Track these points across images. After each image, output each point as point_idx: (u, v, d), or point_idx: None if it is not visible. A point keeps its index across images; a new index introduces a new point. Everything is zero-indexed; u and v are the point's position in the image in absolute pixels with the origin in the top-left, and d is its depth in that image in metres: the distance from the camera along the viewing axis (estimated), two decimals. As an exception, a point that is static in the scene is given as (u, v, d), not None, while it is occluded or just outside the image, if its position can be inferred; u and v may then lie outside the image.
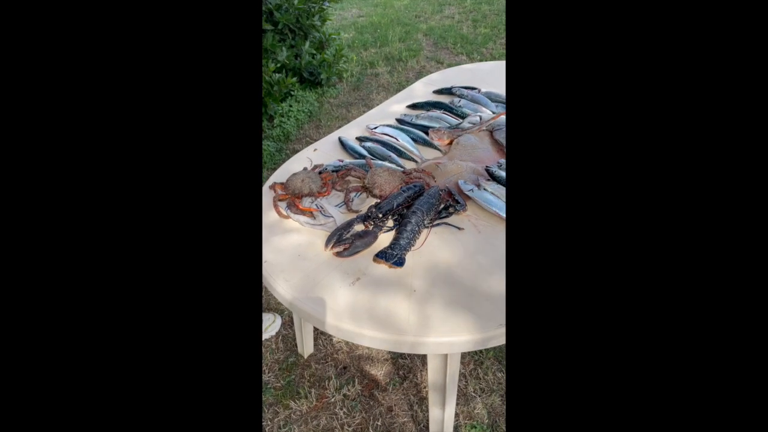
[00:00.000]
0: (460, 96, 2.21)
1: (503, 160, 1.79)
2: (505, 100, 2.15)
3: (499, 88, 2.30)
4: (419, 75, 4.34)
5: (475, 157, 1.85)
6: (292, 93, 4.08)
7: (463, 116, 2.10)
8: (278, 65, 3.90)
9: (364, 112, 2.40)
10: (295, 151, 2.87)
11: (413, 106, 2.19)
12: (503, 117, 1.99)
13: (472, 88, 2.26)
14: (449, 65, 4.46)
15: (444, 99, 2.24)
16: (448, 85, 2.32)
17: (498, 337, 1.18)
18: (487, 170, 1.68)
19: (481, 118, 2.01)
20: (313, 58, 4.17)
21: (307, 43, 4.13)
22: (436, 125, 2.02)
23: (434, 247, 1.44)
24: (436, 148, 1.92)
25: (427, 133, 1.95)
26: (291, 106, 3.93)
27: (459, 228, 1.51)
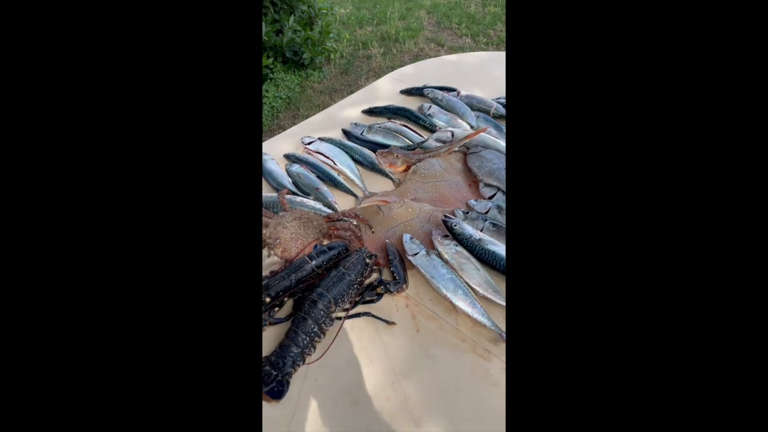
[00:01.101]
0: (433, 100, 1.61)
1: (475, 201, 1.21)
2: (489, 108, 1.55)
3: (487, 88, 1.69)
4: (416, 58, 3.69)
5: (436, 193, 1.27)
6: (271, 76, 3.48)
7: (431, 128, 1.51)
8: (253, 44, 3.28)
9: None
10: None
11: (370, 112, 1.60)
12: (484, 136, 1.39)
13: (450, 90, 1.65)
14: (450, 49, 3.80)
15: (413, 103, 1.64)
16: (422, 84, 1.72)
17: None
18: (446, 222, 1.11)
19: (452, 135, 1.42)
20: (296, 35, 3.54)
21: (292, 18, 3.50)
22: (392, 142, 1.43)
23: (342, 354, 0.89)
24: (386, 175, 1.35)
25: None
26: (267, 90, 3.34)
27: (388, 323, 0.95)
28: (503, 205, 1.19)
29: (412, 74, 1.84)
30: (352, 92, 3.08)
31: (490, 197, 1.23)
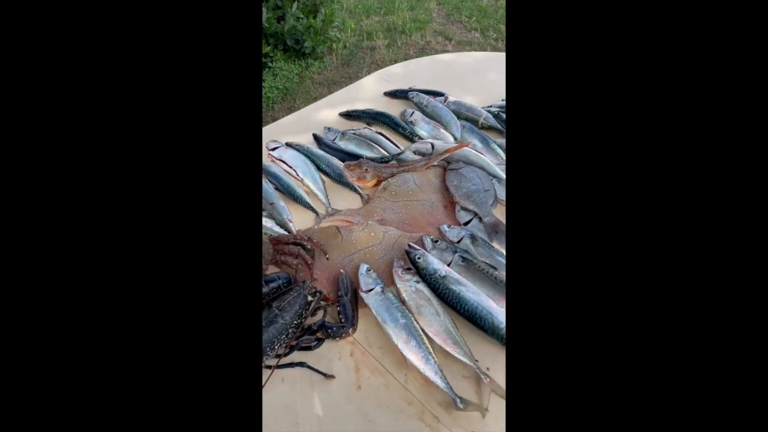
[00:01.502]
0: (418, 105, 1.44)
1: (448, 228, 1.05)
2: (477, 117, 1.38)
3: (479, 93, 1.51)
4: (421, 52, 3.50)
5: (407, 215, 1.11)
6: (270, 65, 3.32)
7: (411, 138, 1.34)
8: (252, 30, 3.12)
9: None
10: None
11: (347, 115, 1.44)
12: (468, 151, 1.23)
13: (438, 94, 1.48)
14: (458, 43, 3.60)
15: (397, 106, 1.48)
16: (410, 85, 1.55)
17: None
18: (409, 253, 0.96)
19: (432, 147, 1.26)
20: (298, 22, 3.37)
21: (295, 5, 3.32)
22: (366, 152, 1.28)
23: (265, 411, 0.75)
24: (354, 190, 1.19)
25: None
26: (264, 80, 3.18)
27: (326, 376, 0.81)
28: (480, 234, 1.03)
29: (401, 74, 1.67)
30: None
31: (466, 223, 1.07)
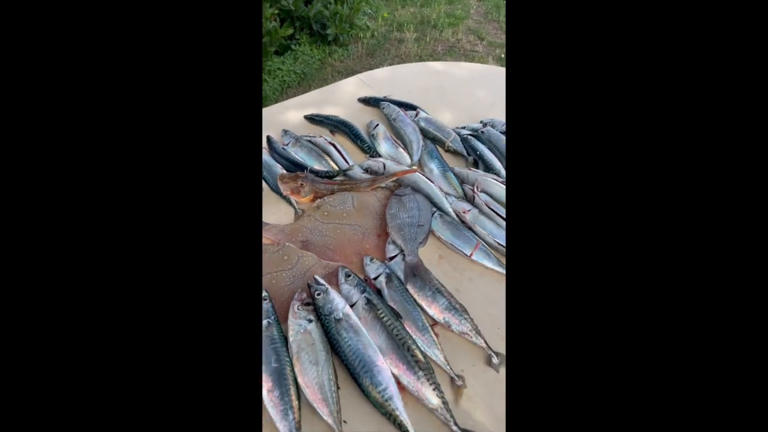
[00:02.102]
0: (387, 116, 1.34)
1: (369, 261, 0.96)
2: (445, 139, 1.26)
3: (460, 110, 1.39)
4: (450, 51, 3.34)
5: (334, 239, 1.03)
6: (293, 47, 3.25)
7: (369, 152, 1.25)
8: (277, 11, 3.06)
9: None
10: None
11: (311, 119, 1.36)
12: (418, 177, 1.12)
13: (411, 108, 1.37)
14: (489, 44, 3.41)
15: (370, 115, 1.38)
16: (392, 92, 1.45)
17: None
18: (310, 286, 0.88)
19: (384, 167, 1.15)
20: (325, 8, 3.27)
21: (324, -11, 3.23)
22: (314, 163, 1.19)
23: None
24: (290, 203, 1.12)
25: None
26: (284, 62, 3.12)
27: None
28: (401, 273, 0.94)
29: (385, 79, 1.56)
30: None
31: (391, 258, 0.98)
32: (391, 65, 3.21)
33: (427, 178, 1.13)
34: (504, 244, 1.00)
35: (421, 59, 3.30)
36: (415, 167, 1.17)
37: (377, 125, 1.29)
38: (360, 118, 1.37)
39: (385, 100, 1.39)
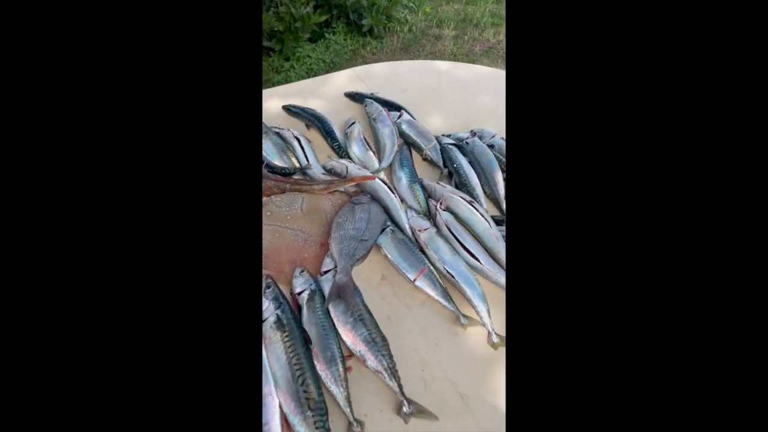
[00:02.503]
0: (369, 115, 1.23)
1: (299, 273, 0.87)
2: (423, 146, 1.14)
3: (455, 117, 1.26)
4: (488, 52, 3.17)
5: (271, 244, 0.94)
6: (327, 35, 3.18)
7: (338, 152, 1.14)
8: (313, -2, 2.99)
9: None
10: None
11: (288, 110, 1.27)
12: (378, 185, 1.01)
13: (395, 108, 1.25)
14: (530, 49, 3.18)
15: (353, 112, 1.28)
16: (386, 89, 1.34)
17: None
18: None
19: (347, 170, 1.05)
20: (363, -3, 3.18)
21: (362, -22, 3.13)
22: (275, 158, 1.10)
23: None
24: (238, 199, 1.03)
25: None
26: (314, 50, 3.05)
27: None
28: (326, 291, 0.83)
29: (381, 74, 1.44)
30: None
31: (324, 272, 0.87)
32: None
33: (390, 187, 1.01)
34: (454, 274, 0.87)
35: (455, 58, 3.14)
36: (375, 173, 1.05)
37: (353, 123, 1.18)
38: (343, 113, 1.27)
39: (371, 97, 1.28)
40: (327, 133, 1.17)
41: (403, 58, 3.15)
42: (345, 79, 1.41)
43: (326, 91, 1.36)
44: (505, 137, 1.15)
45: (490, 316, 0.82)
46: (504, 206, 1.02)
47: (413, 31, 3.38)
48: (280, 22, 2.92)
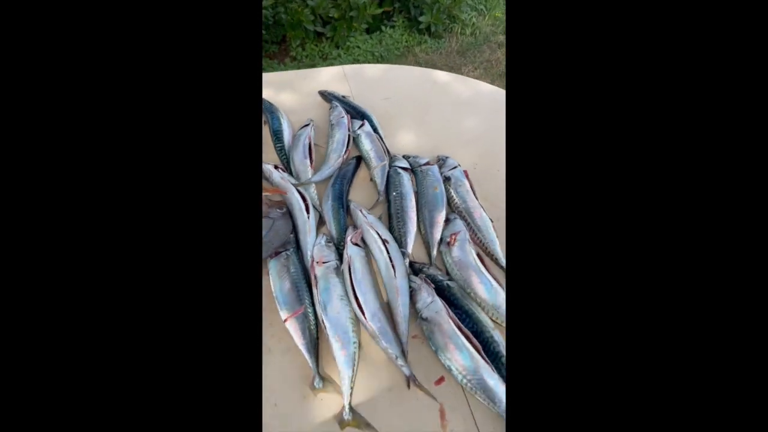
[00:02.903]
0: (330, 119, 1.10)
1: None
2: (374, 164, 1.00)
3: (435, 140, 1.11)
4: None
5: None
6: (383, 28, 3.06)
7: (280, 154, 1.03)
8: (375, -12, 2.88)
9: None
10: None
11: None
12: (296, 200, 0.89)
13: (360, 116, 1.11)
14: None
15: (319, 112, 1.16)
16: (362, 93, 1.20)
17: None
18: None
19: (271, 176, 0.93)
20: (427, -7, 3.02)
21: (429, -26, 2.97)
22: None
23: None
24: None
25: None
26: (366, 42, 2.95)
27: None
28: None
29: (369, 77, 1.30)
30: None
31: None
32: (475, 68, 2.87)
33: (309, 204, 0.88)
34: (328, 325, 0.73)
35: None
36: (299, 186, 0.92)
37: (306, 126, 1.06)
38: (309, 113, 1.15)
39: (340, 99, 1.14)
40: (274, 132, 1.05)
41: (456, 61, 2.96)
42: (329, 77, 1.29)
43: (305, 86, 1.25)
44: (466, 171, 0.97)
45: (353, 385, 0.67)
46: (434, 252, 0.85)
47: (476, 35, 3.16)
48: (336, 9, 2.84)
